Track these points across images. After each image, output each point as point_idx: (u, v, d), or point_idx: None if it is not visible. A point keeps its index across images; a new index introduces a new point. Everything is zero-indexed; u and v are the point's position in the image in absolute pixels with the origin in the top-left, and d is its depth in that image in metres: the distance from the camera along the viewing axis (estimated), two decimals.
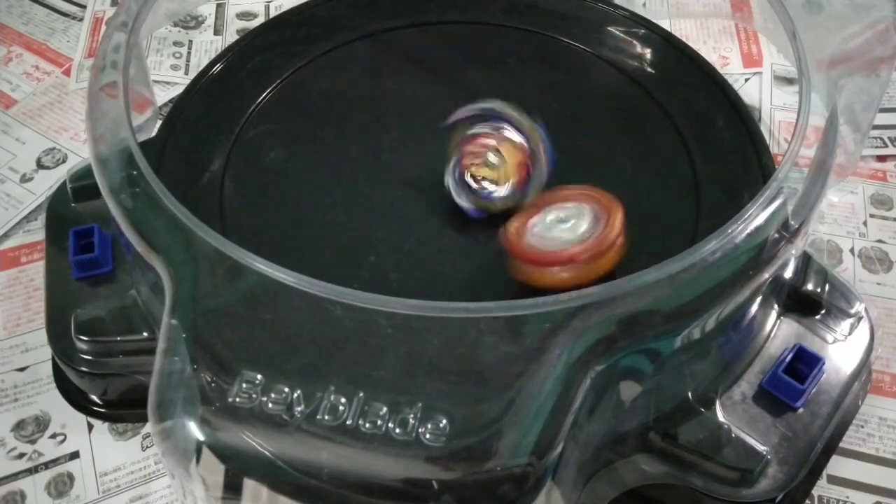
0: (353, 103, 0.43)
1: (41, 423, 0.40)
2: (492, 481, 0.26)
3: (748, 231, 0.31)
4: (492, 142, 0.35)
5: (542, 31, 0.46)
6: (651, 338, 0.30)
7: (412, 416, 0.27)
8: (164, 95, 0.55)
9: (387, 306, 0.28)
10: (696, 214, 0.37)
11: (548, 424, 0.27)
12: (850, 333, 0.38)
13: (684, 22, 0.60)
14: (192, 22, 0.61)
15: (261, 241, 0.36)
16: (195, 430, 0.27)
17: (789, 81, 0.56)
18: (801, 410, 0.35)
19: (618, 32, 0.46)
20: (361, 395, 0.27)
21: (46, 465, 0.39)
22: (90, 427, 0.40)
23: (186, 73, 0.57)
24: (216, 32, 0.61)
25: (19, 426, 0.40)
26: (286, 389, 0.27)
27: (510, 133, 0.35)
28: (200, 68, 0.44)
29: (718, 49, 0.58)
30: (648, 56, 0.45)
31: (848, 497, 0.38)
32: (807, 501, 0.37)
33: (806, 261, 0.38)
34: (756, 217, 0.31)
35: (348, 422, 0.27)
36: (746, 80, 0.56)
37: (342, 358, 0.28)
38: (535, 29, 0.46)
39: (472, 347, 0.28)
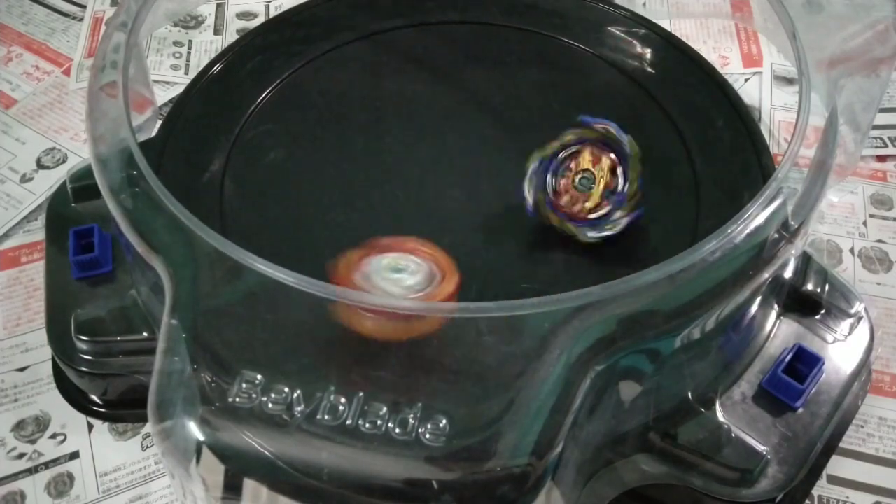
0: (353, 103, 0.43)
1: (41, 423, 0.40)
2: (492, 481, 0.26)
3: (748, 231, 0.31)
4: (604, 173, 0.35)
5: (542, 31, 0.46)
6: (651, 338, 0.30)
7: (412, 416, 0.27)
8: (164, 95, 0.55)
9: (387, 306, 0.28)
10: (696, 214, 0.37)
11: (548, 424, 0.27)
12: (849, 333, 0.38)
13: (684, 22, 0.60)
14: (191, 22, 0.61)
15: (261, 241, 0.36)
16: (195, 430, 0.27)
17: (789, 81, 0.56)
18: (800, 410, 0.35)
19: (618, 32, 0.46)
20: (361, 395, 0.27)
21: (46, 465, 0.39)
22: (90, 427, 0.40)
23: (186, 72, 0.57)
24: (216, 32, 0.61)
25: (19, 426, 0.40)
26: (286, 389, 0.27)
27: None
28: (200, 68, 0.44)
29: (718, 49, 0.58)
30: (648, 56, 0.45)
31: (848, 497, 0.38)
32: (807, 501, 0.37)
33: (806, 261, 0.38)
34: (756, 217, 0.31)
35: (348, 422, 0.27)
36: (746, 80, 0.56)
37: (342, 358, 0.28)
38: (535, 29, 0.46)
39: (472, 347, 0.28)
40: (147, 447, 0.40)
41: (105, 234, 0.40)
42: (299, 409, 0.27)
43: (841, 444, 0.38)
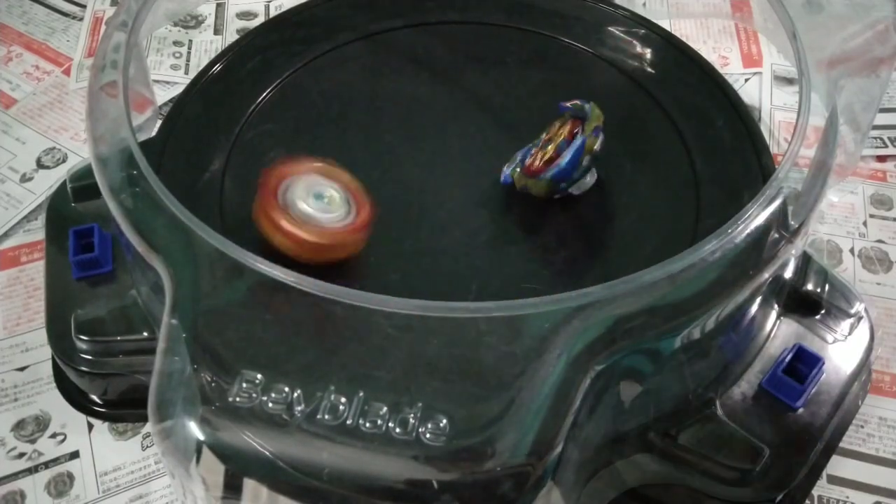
0: (353, 103, 0.43)
1: (41, 423, 0.40)
2: (492, 481, 0.26)
3: (748, 231, 0.31)
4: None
5: (542, 31, 0.46)
6: (651, 338, 0.30)
7: (412, 415, 0.27)
8: (164, 95, 0.55)
9: (387, 306, 0.28)
10: (696, 214, 0.37)
11: (548, 424, 0.27)
12: (849, 333, 0.38)
13: (684, 22, 0.60)
14: (192, 21, 0.61)
15: (261, 242, 0.36)
16: (195, 430, 0.27)
17: (789, 81, 0.56)
18: (800, 410, 0.35)
19: (618, 32, 0.46)
20: (361, 394, 0.27)
21: (46, 465, 0.39)
22: (90, 427, 0.40)
23: (186, 72, 0.57)
24: (216, 32, 0.61)
25: (19, 426, 0.40)
26: (286, 389, 0.27)
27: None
28: (200, 68, 0.44)
29: (718, 49, 0.58)
30: (648, 56, 0.45)
31: (848, 497, 0.38)
32: (807, 501, 0.37)
33: (806, 261, 0.38)
34: (756, 217, 0.31)
35: (348, 421, 0.27)
36: (746, 80, 0.56)
37: (342, 358, 0.28)
38: (535, 29, 0.46)
39: (472, 347, 0.28)
40: (147, 447, 0.40)
41: (105, 233, 0.40)
42: (299, 408, 0.27)
43: (841, 444, 0.38)
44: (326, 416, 0.27)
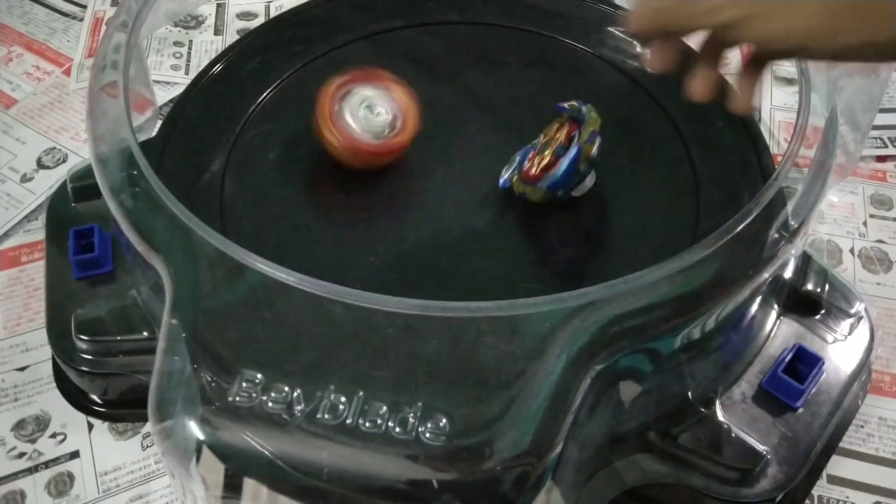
0: None
1: (41, 423, 0.40)
2: (492, 481, 0.26)
3: (748, 231, 0.31)
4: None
5: (542, 31, 0.46)
6: (651, 338, 0.30)
7: (412, 415, 0.27)
8: (164, 95, 0.55)
9: (387, 306, 0.28)
10: (696, 214, 0.37)
11: (547, 424, 0.27)
12: (849, 333, 0.38)
13: None
14: (192, 22, 0.61)
15: (261, 241, 0.36)
16: (195, 430, 0.27)
17: (789, 82, 0.56)
18: (800, 410, 0.35)
19: (618, 33, 0.46)
20: (361, 394, 0.27)
21: (46, 465, 0.39)
22: (90, 426, 0.40)
23: (187, 73, 0.57)
24: (216, 32, 0.61)
25: (19, 426, 0.40)
26: (286, 389, 0.27)
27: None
28: (201, 68, 0.44)
29: None
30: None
31: (848, 497, 0.38)
32: (807, 501, 0.37)
33: (806, 261, 0.38)
34: (756, 217, 0.31)
35: (348, 421, 0.27)
36: None
37: (342, 357, 0.28)
38: (535, 29, 0.46)
39: (472, 347, 0.28)
40: (147, 447, 0.40)
41: (105, 233, 0.40)
42: (299, 408, 0.27)
43: (841, 444, 0.38)
44: (326, 416, 0.27)
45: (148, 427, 0.40)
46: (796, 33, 0.27)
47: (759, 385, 0.35)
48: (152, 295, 0.36)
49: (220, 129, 0.41)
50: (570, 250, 0.37)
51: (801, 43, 0.28)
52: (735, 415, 0.34)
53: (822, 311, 0.38)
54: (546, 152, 0.36)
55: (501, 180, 0.38)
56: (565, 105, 0.37)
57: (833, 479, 0.39)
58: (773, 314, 0.37)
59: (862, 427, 0.40)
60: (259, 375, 0.28)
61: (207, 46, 0.59)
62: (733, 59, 0.52)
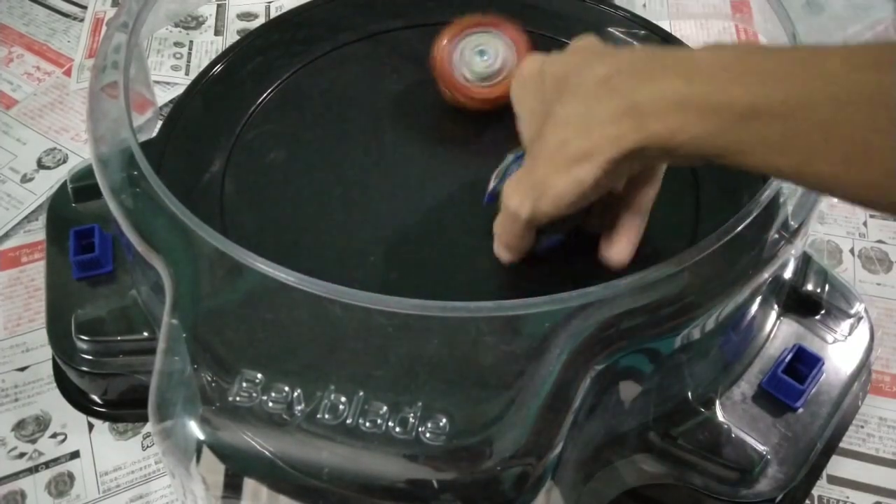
0: (354, 103, 0.43)
1: (42, 423, 0.40)
2: (492, 481, 0.26)
3: (748, 231, 0.31)
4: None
5: (543, 32, 0.46)
6: (651, 338, 0.30)
7: (412, 415, 0.27)
8: (164, 96, 0.55)
9: (387, 306, 0.28)
10: (696, 214, 0.37)
11: (547, 424, 0.27)
12: (849, 334, 0.38)
13: (684, 23, 0.60)
14: (192, 22, 0.61)
15: (261, 241, 0.36)
16: (195, 430, 0.27)
17: None
18: (800, 410, 0.35)
19: (618, 33, 0.46)
20: (361, 394, 0.27)
21: (47, 465, 0.39)
22: (90, 427, 0.40)
23: (187, 73, 0.57)
24: (217, 33, 0.61)
25: (20, 426, 0.40)
26: (286, 389, 0.27)
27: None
28: (201, 69, 0.44)
29: None
30: None
31: (848, 497, 0.38)
32: (807, 501, 0.37)
33: (806, 261, 0.38)
34: (756, 217, 0.31)
35: (348, 421, 0.27)
36: None
37: (342, 357, 0.28)
38: (536, 29, 0.46)
39: (472, 347, 0.28)
40: (147, 447, 0.40)
41: (105, 234, 0.40)
42: (299, 408, 0.27)
43: (841, 445, 0.38)
44: (326, 416, 0.27)
45: (148, 427, 0.40)
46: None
47: (759, 385, 0.35)
48: (152, 295, 0.36)
49: (220, 129, 0.41)
50: (571, 250, 0.37)
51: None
52: (735, 415, 0.34)
53: (822, 312, 0.38)
54: None
55: (486, 196, 0.35)
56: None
57: (833, 480, 0.39)
58: (773, 314, 0.37)
59: (862, 427, 0.40)
60: (259, 375, 0.28)
61: (208, 47, 0.59)
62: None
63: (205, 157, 0.39)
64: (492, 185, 0.35)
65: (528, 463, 0.26)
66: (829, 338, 0.37)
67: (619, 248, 0.31)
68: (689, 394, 0.33)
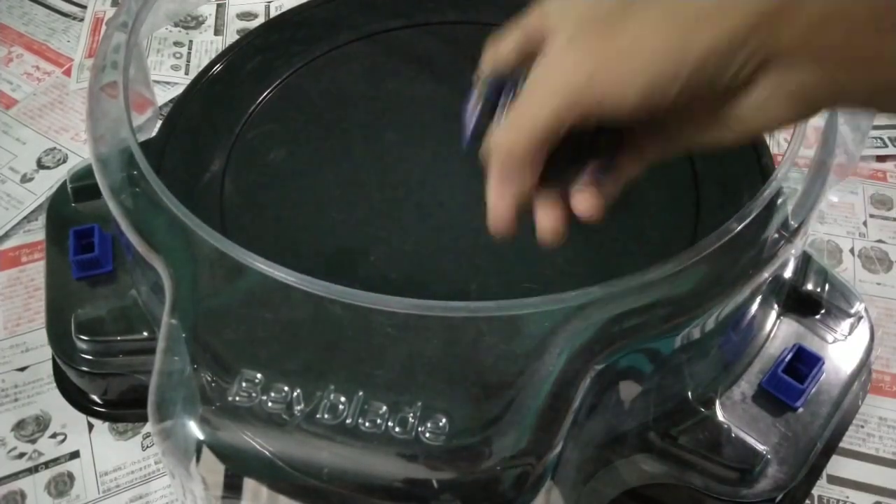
0: (353, 103, 0.43)
1: (41, 423, 0.40)
2: (491, 481, 0.26)
3: (748, 231, 0.31)
4: None
5: None
6: (651, 337, 0.30)
7: (412, 415, 0.27)
8: (164, 95, 0.55)
9: (387, 306, 0.28)
10: (696, 214, 0.37)
11: (547, 424, 0.27)
12: (849, 333, 0.38)
13: None
14: (192, 22, 0.61)
15: (261, 241, 0.36)
16: (195, 430, 0.27)
17: None
18: (800, 410, 0.35)
19: None
20: (361, 394, 0.27)
21: (47, 465, 0.39)
22: (90, 427, 0.40)
23: (187, 73, 0.57)
24: (216, 32, 0.61)
25: (19, 426, 0.40)
26: (286, 388, 0.27)
27: None
28: (201, 68, 0.44)
29: None
30: None
31: (848, 497, 0.38)
32: (807, 501, 0.37)
33: (806, 261, 0.38)
34: (756, 217, 0.31)
35: (348, 421, 0.27)
36: None
37: (342, 357, 0.28)
38: None
39: (472, 347, 0.28)
40: (147, 447, 0.40)
41: (105, 234, 0.40)
42: (299, 408, 0.27)
43: (841, 444, 0.38)
44: (326, 416, 0.27)
45: (148, 427, 0.40)
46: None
47: (759, 385, 0.35)
48: (152, 295, 0.36)
49: (219, 129, 0.41)
50: (570, 250, 0.37)
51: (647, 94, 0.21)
52: (735, 415, 0.34)
53: (822, 311, 0.38)
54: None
55: (468, 129, 0.28)
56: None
57: (833, 479, 0.39)
58: (773, 314, 0.37)
59: (862, 427, 0.40)
60: (259, 375, 0.28)
61: (207, 46, 0.59)
62: None
63: (204, 157, 0.39)
64: (471, 117, 0.28)
65: (527, 463, 0.26)
66: (830, 337, 0.37)
67: (591, 199, 0.26)
68: (689, 394, 0.33)
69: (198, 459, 0.27)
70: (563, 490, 0.29)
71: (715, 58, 0.22)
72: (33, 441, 0.40)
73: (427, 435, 0.26)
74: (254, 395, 0.27)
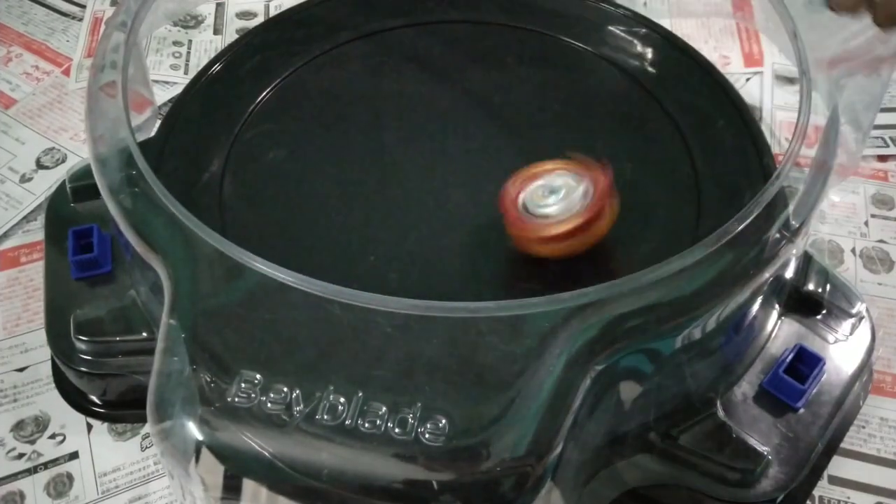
0: (353, 103, 0.42)
1: (40, 424, 0.40)
2: (491, 481, 0.26)
3: (749, 231, 0.31)
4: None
5: (543, 31, 0.46)
6: (651, 338, 0.30)
7: (411, 415, 0.27)
8: (163, 95, 0.55)
9: (387, 306, 0.28)
10: (696, 214, 0.37)
11: (547, 424, 0.27)
12: (851, 333, 0.37)
13: (685, 21, 0.60)
14: (191, 21, 0.61)
15: (261, 241, 0.36)
16: (194, 431, 0.27)
17: (790, 81, 0.56)
18: (801, 411, 0.35)
19: (618, 32, 0.46)
20: (361, 394, 0.27)
21: (46, 466, 0.39)
22: (89, 427, 0.40)
23: (186, 72, 0.57)
24: (216, 32, 0.61)
25: (19, 426, 0.40)
26: (285, 389, 0.27)
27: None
28: (200, 68, 0.44)
29: (719, 48, 0.58)
30: (649, 55, 0.45)
31: (849, 498, 0.38)
32: (808, 502, 0.37)
33: (807, 261, 0.38)
34: (757, 217, 0.31)
35: (347, 422, 0.27)
36: (747, 79, 0.56)
37: (341, 358, 0.28)
38: (535, 28, 0.46)
39: (472, 347, 0.28)
40: (146, 447, 0.40)
41: (104, 234, 0.40)
42: (298, 408, 0.27)
43: (842, 445, 0.38)
44: (325, 417, 0.27)
45: (147, 428, 0.40)
46: None
47: (759, 385, 0.35)
48: (151, 295, 0.35)
49: (219, 128, 0.41)
50: None
51: None
52: (736, 415, 0.34)
53: (824, 312, 0.38)
54: None
55: None
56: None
57: (834, 480, 0.39)
58: (774, 314, 0.37)
59: (863, 427, 0.40)
60: (258, 376, 0.28)
61: (207, 46, 0.59)
62: (734, 58, 0.51)
63: (204, 157, 0.39)
64: None
65: (528, 464, 0.26)
66: (831, 338, 0.37)
67: None
68: (690, 394, 0.33)
69: (197, 460, 0.27)
70: (563, 491, 0.29)
71: None
72: (32, 442, 0.40)
73: (427, 436, 0.26)
74: (253, 395, 0.27)
